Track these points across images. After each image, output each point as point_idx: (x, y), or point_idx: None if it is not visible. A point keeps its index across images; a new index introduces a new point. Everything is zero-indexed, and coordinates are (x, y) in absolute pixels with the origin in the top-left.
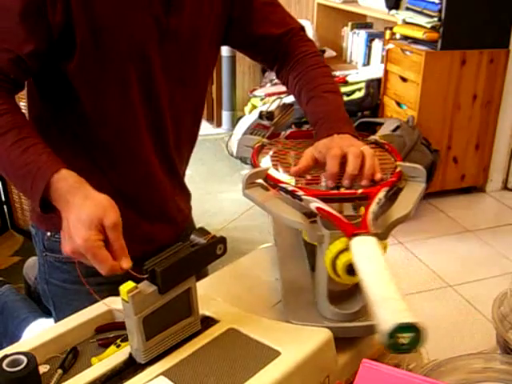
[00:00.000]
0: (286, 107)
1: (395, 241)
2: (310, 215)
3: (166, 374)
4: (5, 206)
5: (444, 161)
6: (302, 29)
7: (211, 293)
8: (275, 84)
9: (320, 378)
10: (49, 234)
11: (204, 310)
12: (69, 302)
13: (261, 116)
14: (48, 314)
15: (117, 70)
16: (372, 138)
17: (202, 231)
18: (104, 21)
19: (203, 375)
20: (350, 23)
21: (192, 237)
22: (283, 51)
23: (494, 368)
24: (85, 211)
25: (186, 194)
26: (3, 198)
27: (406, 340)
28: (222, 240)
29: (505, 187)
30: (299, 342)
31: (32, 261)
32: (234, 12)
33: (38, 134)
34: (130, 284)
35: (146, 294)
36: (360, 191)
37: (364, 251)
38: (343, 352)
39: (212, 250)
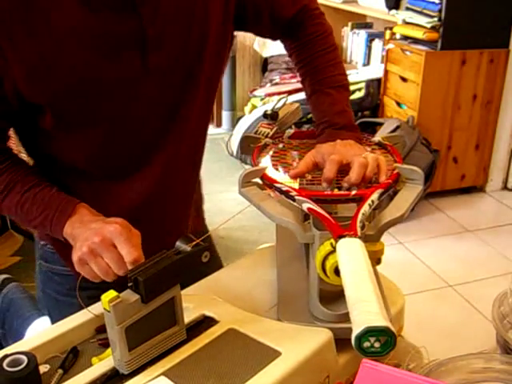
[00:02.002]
0: (291, 106)
1: (395, 241)
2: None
3: (166, 373)
4: None
5: (444, 161)
6: (315, 2)
7: (211, 293)
8: (275, 84)
9: (320, 378)
10: (42, 242)
11: (204, 309)
12: (61, 313)
13: (265, 115)
14: None
15: (94, 117)
16: (376, 138)
17: (187, 239)
18: (63, 89)
19: (203, 375)
20: (349, 23)
21: (177, 244)
22: (293, 29)
23: (493, 368)
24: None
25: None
26: None
27: (377, 344)
28: (207, 247)
29: (505, 187)
30: (299, 342)
31: None
32: (247, 12)
33: (39, 178)
34: (111, 293)
35: (129, 303)
36: (354, 192)
37: (347, 253)
38: (343, 352)
39: (197, 258)
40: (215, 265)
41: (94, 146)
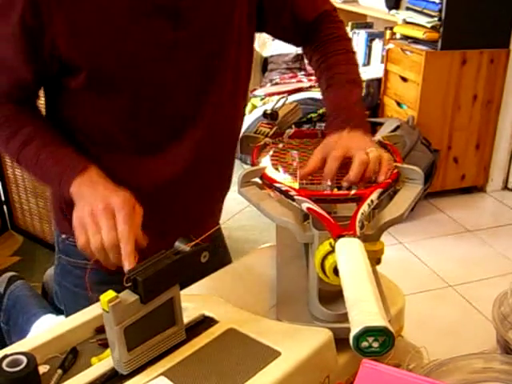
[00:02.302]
0: (291, 106)
1: (395, 241)
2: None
3: (166, 374)
4: (5, 206)
5: (444, 161)
6: (334, 9)
7: (211, 293)
8: (275, 84)
9: (320, 378)
10: (63, 236)
11: (204, 309)
12: (79, 308)
13: (265, 115)
14: (60, 313)
15: (125, 80)
16: (376, 138)
17: (187, 238)
18: (99, 50)
19: (203, 375)
20: (350, 23)
21: (176, 244)
22: (312, 33)
23: (494, 368)
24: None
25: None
26: (3, 198)
27: (376, 343)
28: (207, 247)
29: (505, 187)
30: (299, 342)
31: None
32: (264, 10)
33: (59, 136)
34: (110, 293)
35: (128, 303)
36: (353, 192)
37: (346, 253)
38: (343, 352)
39: (196, 258)
40: (225, 260)
41: (123, 111)
